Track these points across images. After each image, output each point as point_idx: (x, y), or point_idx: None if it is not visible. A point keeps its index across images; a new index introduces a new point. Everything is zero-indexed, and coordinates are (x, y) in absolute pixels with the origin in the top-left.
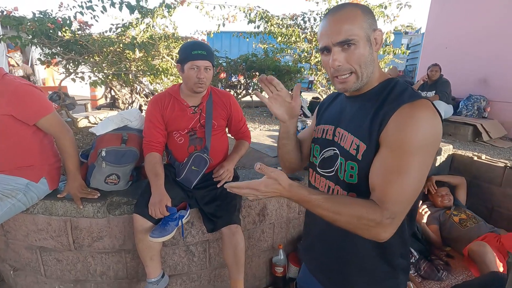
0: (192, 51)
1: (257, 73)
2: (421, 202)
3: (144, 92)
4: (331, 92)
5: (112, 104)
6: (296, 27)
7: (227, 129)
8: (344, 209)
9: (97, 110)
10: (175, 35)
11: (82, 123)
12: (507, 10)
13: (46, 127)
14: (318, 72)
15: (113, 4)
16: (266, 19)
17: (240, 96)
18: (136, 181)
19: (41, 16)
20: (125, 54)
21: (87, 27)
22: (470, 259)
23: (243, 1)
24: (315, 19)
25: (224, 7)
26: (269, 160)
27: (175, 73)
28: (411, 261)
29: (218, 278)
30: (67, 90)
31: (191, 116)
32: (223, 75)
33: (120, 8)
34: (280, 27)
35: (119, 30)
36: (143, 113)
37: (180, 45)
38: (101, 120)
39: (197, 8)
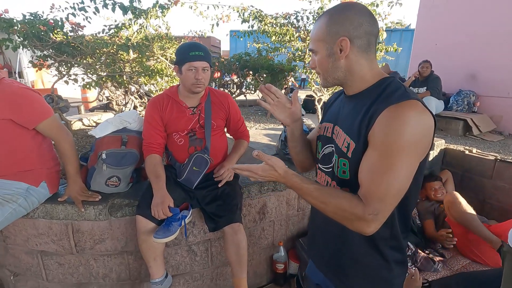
0: (189, 52)
1: (251, 72)
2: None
3: (138, 93)
4: (325, 90)
5: (106, 106)
6: (290, 26)
7: (225, 129)
8: (331, 200)
9: (90, 112)
10: (168, 36)
11: (76, 125)
12: (495, 7)
13: (46, 131)
14: (312, 71)
15: (105, 5)
16: (260, 19)
17: (234, 95)
18: (136, 182)
19: (32, 18)
20: (119, 55)
21: (80, 29)
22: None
23: (237, 1)
24: (308, 18)
25: (218, 7)
26: None
27: (170, 73)
28: (408, 254)
29: (221, 276)
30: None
31: (190, 117)
32: (217, 74)
33: (113, 9)
34: (274, 26)
35: (112, 31)
36: (141, 115)
37: (174, 46)
38: (95, 122)
39: (191, 8)
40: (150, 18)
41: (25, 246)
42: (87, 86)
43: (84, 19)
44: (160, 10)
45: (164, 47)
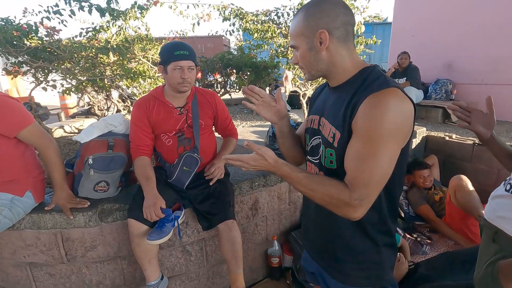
0: (174, 51)
1: (234, 71)
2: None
3: (122, 97)
4: (309, 85)
5: (88, 112)
6: (271, 23)
7: (213, 128)
8: (318, 187)
9: (71, 119)
10: (149, 37)
11: (58, 133)
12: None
13: (28, 138)
14: (295, 66)
15: (82, 8)
16: (240, 16)
17: (219, 94)
18: (125, 186)
19: (3, 23)
20: (98, 58)
21: (55, 33)
22: (453, 200)
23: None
24: (288, 14)
25: (198, 6)
26: None
27: (153, 75)
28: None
29: (217, 275)
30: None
31: (177, 117)
32: (199, 74)
33: (90, 11)
34: (256, 23)
35: (89, 34)
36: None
37: (155, 47)
38: (77, 128)
39: (171, 8)
40: (129, 19)
41: (12, 259)
42: (67, 92)
43: (59, 23)
44: (139, 11)
45: (145, 49)
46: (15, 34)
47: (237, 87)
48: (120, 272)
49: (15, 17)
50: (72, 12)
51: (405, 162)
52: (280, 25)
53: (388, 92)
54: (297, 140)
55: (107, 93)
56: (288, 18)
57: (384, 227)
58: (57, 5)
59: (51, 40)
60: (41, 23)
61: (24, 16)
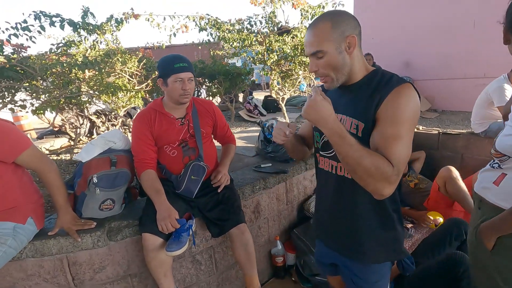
0: (174, 64)
1: (206, 80)
2: None
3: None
4: (286, 89)
5: (59, 131)
6: (246, 31)
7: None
8: (368, 155)
9: (39, 140)
10: (121, 49)
11: None
12: (419, 4)
13: (27, 162)
14: (273, 72)
15: (52, 23)
16: (217, 26)
17: None
18: (128, 203)
19: None
20: (72, 75)
21: (23, 50)
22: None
23: (192, 10)
24: (261, 22)
25: (174, 17)
26: (248, 160)
27: (131, 88)
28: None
29: (226, 281)
30: None
31: (180, 128)
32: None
33: (62, 27)
34: (232, 32)
35: (60, 50)
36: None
37: (132, 60)
38: (48, 150)
39: (148, 20)
40: (105, 33)
41: None
42: (37, 112)
43: (27, 39)
44: (115, 24)
45: (125, 61)
46: None
47: (212, 95)
48: None
49: None
50: (42, 28)
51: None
52: (255, 33)
53: (407, 86)
54: (298, 141)
55: (81, 110)
56: (261, 26)
57: (394, 205)
58: (25, 21)
59: (20, 58)
60: (8, 40)
61: None
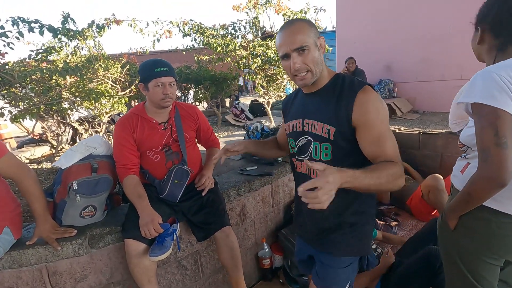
0: (154, 69)
1: (192, 85)
2: None
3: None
4: (272, 93)
5: (39, 139)
6: (230, 36)
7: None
8: (383, 172)
9: (20, 149)
10: (104, 55)
11: None
12: (398, 10)
13: (4, 170)
14: (257, 76)
15: (31, 29)
16: (201, 32)
17: None
18: (111, 209)
19: None
20: (52, 81)
21: (1, 57)
22: (423, 197)
23: (176, 16)
24: (245, 28)
25: (157, 23)
26: (234, 163)
27: (115, 94)
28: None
29: (213, 285)
30: None
31: (162, 132)
32: None
33: (41, 32)
34: (216, 37)
35: (39, 56)
36: (104, 138)
37: (115, 66)
38: (28, 159)
39: (130, 26)
40: (86, 39)
41: None
42: (16, 119)
43: (4, 45)
44: (97, 30)
45: (107, 67)
46: None
47: (198, 100)
48: None
49: None
50: (20, 33)
51: None
52: (239, 38)
53: (368, 89)
54: (273, 143)
55: (62, 117)
56: (245, 32)
57: (372, 200)
58: (2, 27)
59: None
60: None
61: None
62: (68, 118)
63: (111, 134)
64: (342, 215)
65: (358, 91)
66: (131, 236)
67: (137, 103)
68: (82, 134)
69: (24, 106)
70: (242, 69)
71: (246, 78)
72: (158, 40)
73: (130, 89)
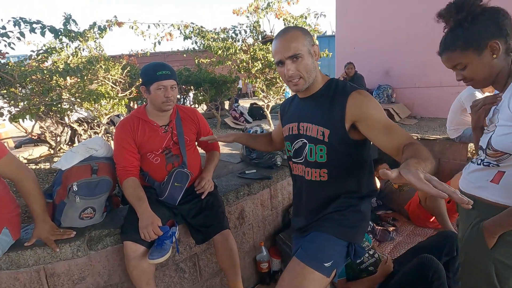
0: (156, 72)
1: (192, 87)
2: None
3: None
4: (271, 96)
5: (38, 139)
6: (231, 40)
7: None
8: (428, 154)
9: (18, 149)
10: (105, 57)
11: None
12: (400, 13)
13: (4, 171)
14: (257, 80)
15: (33, 30)
16: (202, 35)
17: None
18: (110, 211)
19: None
20: (52, 82)
21: (1, 56)
22: (422, 208)
23: (177, 19)
24: (245, 32)
25: (158, 25)
26: (233, 166)
27: (115, 95)
28: (368, 229)
29: None
30: None
31: (163, 135)
32: None
33: (42, 33)
34: (217, 41)
35: (40, 56)
36: (105, 140)
37: (116, 67)
38: (26, 159)
39: (132, 28)
40: (88, 40)
41: None
42: (15, 119)
43: (5, 46)
44: (98, 32)
45: (108, 69)
46: None
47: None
48: None
49: None
50: (22, 34)
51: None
52: (239, 42)
53: (360, 90)
54: (262, 137)
55: (61, 118)
56: (245, 35)
57: (371, 186)
58: (4, 27)
59: None
60: None
61: None
62: (67, 118)
63: (110, 135)
64: (337, 205)
65: (350, 93)
66: (130, 239)
67: (136, 105)
68: (81, 135)
69: (24, 106)
70: (242, 72)
71: (246, 81)
72: (159, 43)
73: (130, 90)
